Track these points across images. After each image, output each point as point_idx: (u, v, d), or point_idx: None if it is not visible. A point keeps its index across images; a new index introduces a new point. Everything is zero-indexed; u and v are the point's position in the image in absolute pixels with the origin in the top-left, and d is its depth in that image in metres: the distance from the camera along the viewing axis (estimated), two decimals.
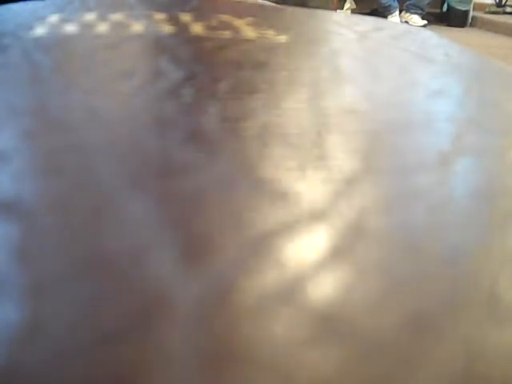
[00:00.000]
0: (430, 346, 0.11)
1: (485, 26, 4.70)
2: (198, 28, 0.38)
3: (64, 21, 0.37)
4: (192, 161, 0.18)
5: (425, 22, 4.60)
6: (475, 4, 4.93)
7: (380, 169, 0.19)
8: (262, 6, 0.53)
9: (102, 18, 0.39)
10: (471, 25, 4.86)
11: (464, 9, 4.82)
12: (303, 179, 0.18)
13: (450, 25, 4.77)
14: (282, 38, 0.37)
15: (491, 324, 0.12)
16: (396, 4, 4.59)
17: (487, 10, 5.06)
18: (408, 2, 4.70)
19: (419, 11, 4.69)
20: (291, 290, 0.12)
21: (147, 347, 0.10)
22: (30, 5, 0.43)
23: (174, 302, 0.12)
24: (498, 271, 0.14)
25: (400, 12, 4.65)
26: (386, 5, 4.54)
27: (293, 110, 0.24)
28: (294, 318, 0.11)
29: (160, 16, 0.41)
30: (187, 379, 0.10)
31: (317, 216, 0.15)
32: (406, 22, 4.43)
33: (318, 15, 0.48)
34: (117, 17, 0.39)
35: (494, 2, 5.14)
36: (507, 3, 5.03)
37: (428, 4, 4.72)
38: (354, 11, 3.99)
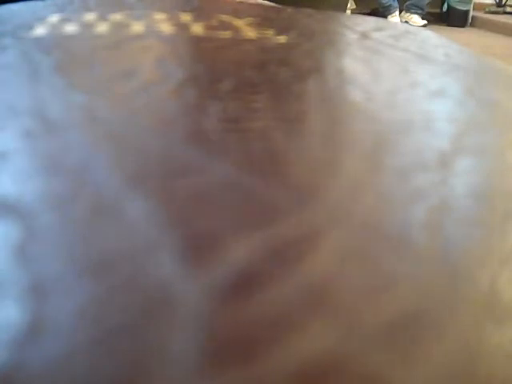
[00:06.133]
0: (430, 346, 0.11)
1: (485, 26, 4.70)
2: (198, 28, 0.38)
3: (64, 21, 0.37)
4: (193, 161, 0.18)
5: (425, 22, 4.61)
6: (475, 4, 4.93)
7: (381, 168, 0.19)
8: (262, 6, 0.53)
9: (102, 17, 0.39)
10: (471, 25, 4.87)
11: (464, 9, 4.82)
12: (305, 179, 0.18)
13: (450, 25, 4.78)
14: (283, 38, 0.37)
15: (491, 324, 0.12)
16: (396, 4, 4.60)
17: (487, 9, 5.06)
18: (408, 2, 4.71)
19: (419, 11, 4.69)
20: (294, 291, 0.12)
21: (148, 347, 0.10)
22: (30, 5, 0.43)
23: (175, 303, 0.12)
24: (497, 271, 0.14)
25: (400, 12, 4.65)
26: (386, 5, 4.55)
27: (294, 110, 0.24)
28: (296, 319, 0.11)
29: (160, 16, 0.41)
30: (188, 380, 0.10)
31: (320, 216, 0.15)
32: (406, 21, 4.43)
33: (318, 15, 0.48)
34: (117, 17, 0.39)
35: (493, 2, 5.14)
36: (507, 3, 5.03)
37: (428, 4, 4.72)
38: (354, 11, 3.99)
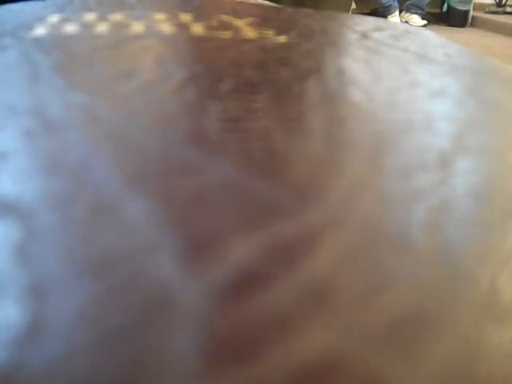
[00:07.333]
0: (430, 346, 0.11)
1: (485, 26, 4.70)
2: (198, 28, 0.38)
3: (64, 21, 0.37)
4: (193, 161, 0.18)
5: (425, 22, 4.61)
6: (475, 4, 4.93)
7: (381, 168, 0.19)
8: (262, 6, 0.53)
9: (102, 17, 0.39)
10: (471, 25, 4.86)
11: (464, 9, 4.82)
12: (306, 179, 0.18)
13: (450, 25, 4.77)
14: (283, 38, 0.37)
15: (491, 324, 0.12)
16: (396, 4, 4.60)
17: (487, 9, 5.06)
18: (408, 2, 4.71)
19: (419, 11, 4.69)
20: (294, 291, 0.12)
21: (148, 347, 0.10)
22: (30, 5, 0.43)
23: (175, 303, 0.12)
24: (497, 271, 0.14)
25: (400, 12, 4.65)
26: (386, 5, 4.55)
27: (294, 110, 0.24)
28: (296, 319, 0.11)
29: (160, 16, 0.41)
30: (188, 380, 0.10)
31: (320, 216, 0.15)
32: (406, 21, 4.43)
33: (318, 15, 0.48)
34: (117, 17, 0.39)
35: (493, 2, 5.14)
36: (507, 3, 5.03)
37: (428, 4, 4.72)
38: (354, 11, 3.99)
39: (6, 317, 0.11)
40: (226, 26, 0.39)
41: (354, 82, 0.29)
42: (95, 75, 0.26)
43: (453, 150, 0.21)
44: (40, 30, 0.34)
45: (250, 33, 0.38)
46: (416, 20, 4.53)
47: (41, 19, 0.37)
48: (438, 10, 4.87)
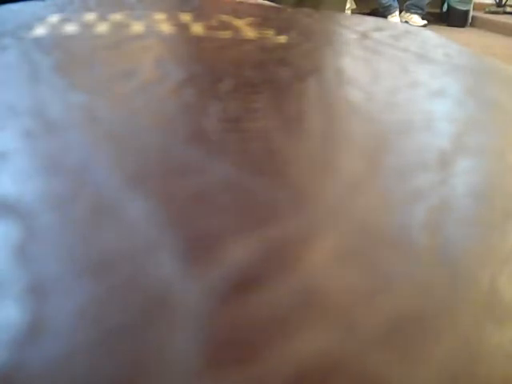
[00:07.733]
0: (430, 346, 0.11)
1: (485, 26, 4.69)
2: (198, 28, 0.38)
3: (64, 21, 0.37)
4: (193, 161, 0.18)
5: (425, 22, 4.61)
6: (475, 4, 4.93)
7: (381, 168, 0.19)
8: (262, 6, 0.53)
9: (102, 17, 0.39)
10: (471, 25, 4.86)
11: (464, 9, 4.82)
12: (305, 180, 0.18)
13: (450, 25, 4.77)
14: (283, 38, 0.37)
15: (491, 324, 0.12)
16: (396, 4, 4.60)
17: (487, 9, 5.06)
18: (408, 2, 4.70)
19: (419, 11, 4.69)
20: (293, 292, 0.12)
21: (148, 347, 0.10)
22: (29, 5, 0.43)
23: (175, 303, 0.12)
24: (497, 271, 0.14)
25: (400, 12, 4.65)
26: (386, 5, 4.55)
27: (293, 110, 0.24)
28: (295, 319, 0.11)
29: (160, 16, 0.41)
30: (187, 380, 0.10)
31: (319, 217, 0.15)
32: (406, 21, 4.43)
33: (318, 15, 0.48)
34: (117, 17, 0.39)
35: (493, 2, 5.14)
36: (507, 3, 5.03)
37: (428, 4, 4.72)
38: (354, 11, 3.99)
39: (6, 317, 0.11)
40: (225, 26, 0.39)
41: (354, 81, 0.29)
42: (95, 75, 0.26)
43: (453, 150, 0.21)
44: (40, 30, 0.34)
45: (250, 33, 0.38)
46: (416, 20, 4.53)
47: (41, 19, 0.37)
48: (438, 10, 4.87)
